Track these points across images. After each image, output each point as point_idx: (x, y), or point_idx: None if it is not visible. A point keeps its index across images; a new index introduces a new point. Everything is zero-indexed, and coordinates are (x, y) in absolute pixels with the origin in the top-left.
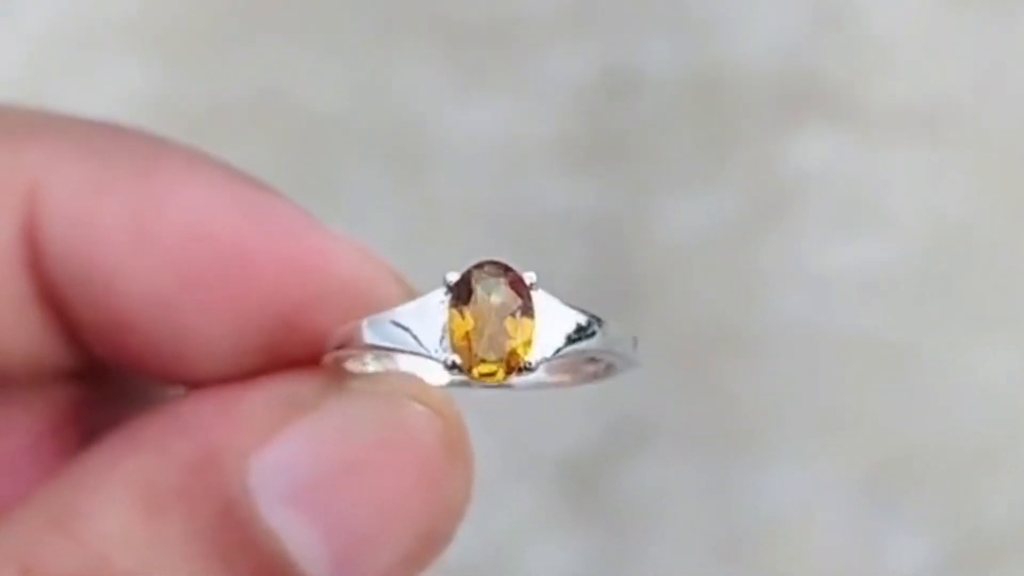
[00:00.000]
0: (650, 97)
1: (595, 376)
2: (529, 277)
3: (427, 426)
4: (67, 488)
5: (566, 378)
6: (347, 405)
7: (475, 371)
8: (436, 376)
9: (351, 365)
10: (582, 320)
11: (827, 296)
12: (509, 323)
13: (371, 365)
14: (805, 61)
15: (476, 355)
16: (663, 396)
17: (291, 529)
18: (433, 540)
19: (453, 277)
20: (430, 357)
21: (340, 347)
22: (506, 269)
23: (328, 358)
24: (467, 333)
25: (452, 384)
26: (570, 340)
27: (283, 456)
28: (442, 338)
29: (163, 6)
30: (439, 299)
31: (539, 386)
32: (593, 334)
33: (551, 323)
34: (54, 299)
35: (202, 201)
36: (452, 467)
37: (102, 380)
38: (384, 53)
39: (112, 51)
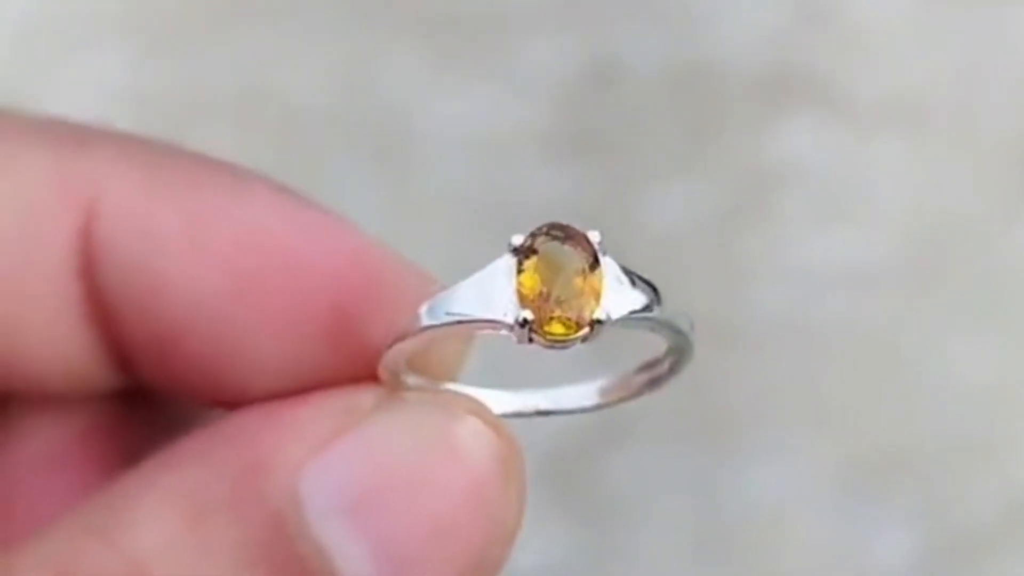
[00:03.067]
0: (633, 88)
1: (649, 385)
2: (594, 236)
3: (483, 442)
4: (108, 499)
5: (621, 394)
6: (402, 415)
7: (547, 327)
8: (495, 400)
9: (406, 380)
10: (647, 294)
11: (810, 288)
12: (578, 279)
13: (424, 384)
14: (788, 52)
15: (548, 310)
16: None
17: (340, 544)
18: (484, 565)
19: (518, 240)
20: (499, 321)
21: (400, 339)
22: (570, 229)
23: (385, 364)
24: (537, 292)
25: (520, 340)
26: (634, 310)
27: (335, 467)
28: (510, 301)
29: None
30: (505, 264)
31: (597, 407)
32: (654, 305)
33: (615, 288)
34: (103, 309)
35: (255, 211)
36: (506, 488)
37: (139, 401)
38: (367, 44)
39: (93, 44)
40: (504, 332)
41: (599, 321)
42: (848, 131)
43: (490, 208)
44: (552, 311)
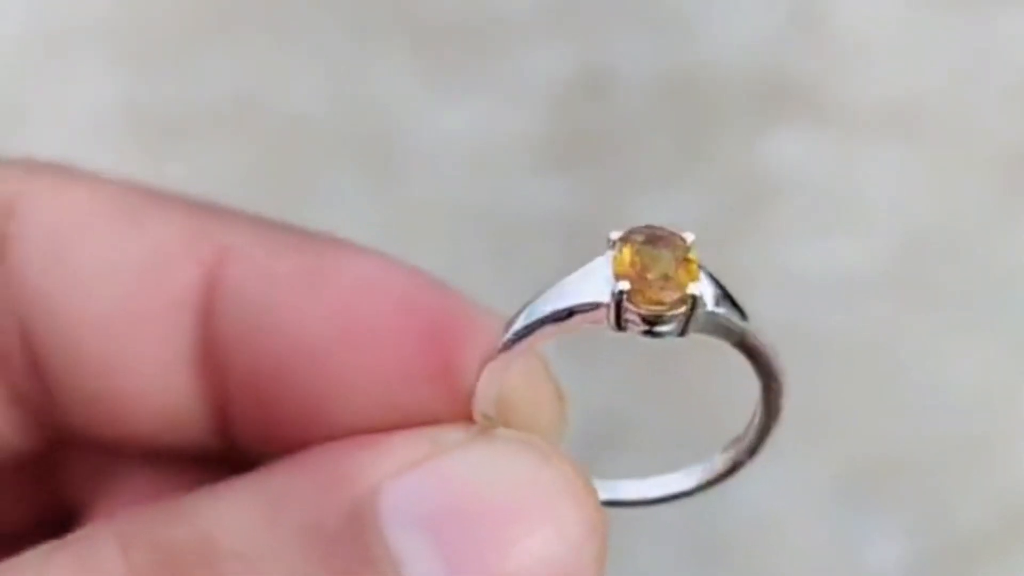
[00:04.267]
0: (626, 97)
1: (732, 465)
2: (688, 236)
3: (571, 490)
4: (188, 498)
5: (707, 476)
6: (491, 447)
7: (644, 295)
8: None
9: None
10: (738, 305)
11: (802, 295)
12: (674, 263)
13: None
14: (780, 60)
15: (645, 284)
16: (638, 396)
17: (413, 555)
18: None
19: (616, 234)
20: (588, 305)
21: (489, 359)
22: (664, 230)
23: (478, 402)
24: (634, 268)
25: (614, 325)
26: (728, 309)
27: (418, 483)
28: (605, 282)
29: (136, 10)
30: (600, 259)
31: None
32: (742, 318)
33: (709, 285)
34: (216, 358)
35: (365, 264)
36: (587, 540)
37: (230, 467)
38: (359, 54)
39: (85, 55)
40: (595, 321)
41: (695, 298)
42: (841, 139)
43: (484, 217)
44: (649, 286)
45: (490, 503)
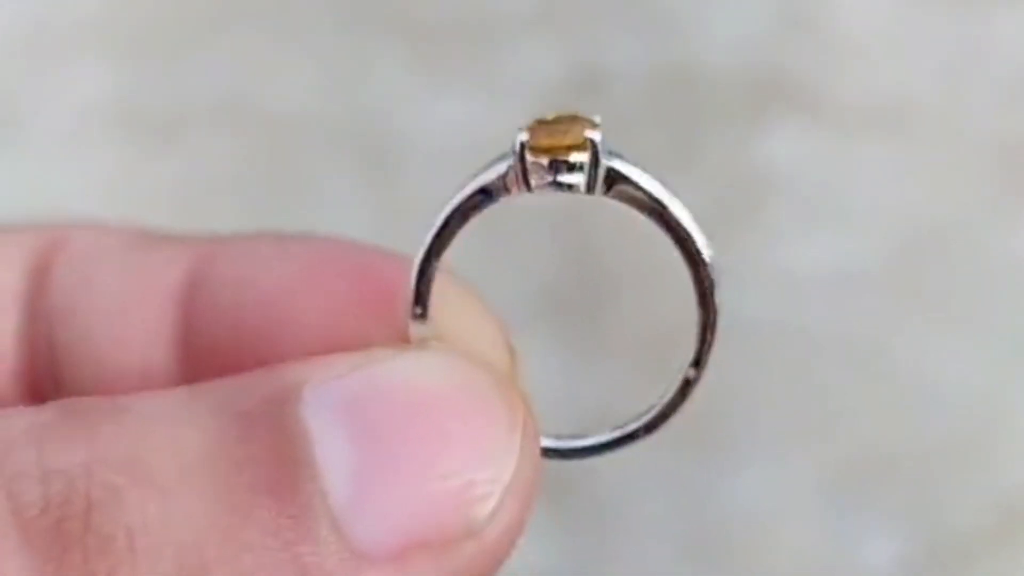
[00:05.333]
0: (618, 94)
1: (681, 388)
2: (596, 117)
3: (497, 388)
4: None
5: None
6: (419, 354)
7: (544, 140)
8: None
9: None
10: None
11: (796, 292)
12: (574, 122)
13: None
14: (773, 58)
15: (544, 126)
16: (632, 393)
17: (328, 435)
18: (467, 497)
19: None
20: (499, 171)
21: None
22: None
23: (413, 328)
24: (536, 126)
25: (519, 183)
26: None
27: (344, 380)
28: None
29: (131, 7)
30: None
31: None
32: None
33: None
34: (193, 336)
35: (325, 238)
36: (508, 438)
37: None
38: (352, 52)
39: (78, 54)
40: (505, 189)
41: (594, 143)
42: (833, 135)
43: (478, 215)
44: (547, 131)
45: (407, 394)
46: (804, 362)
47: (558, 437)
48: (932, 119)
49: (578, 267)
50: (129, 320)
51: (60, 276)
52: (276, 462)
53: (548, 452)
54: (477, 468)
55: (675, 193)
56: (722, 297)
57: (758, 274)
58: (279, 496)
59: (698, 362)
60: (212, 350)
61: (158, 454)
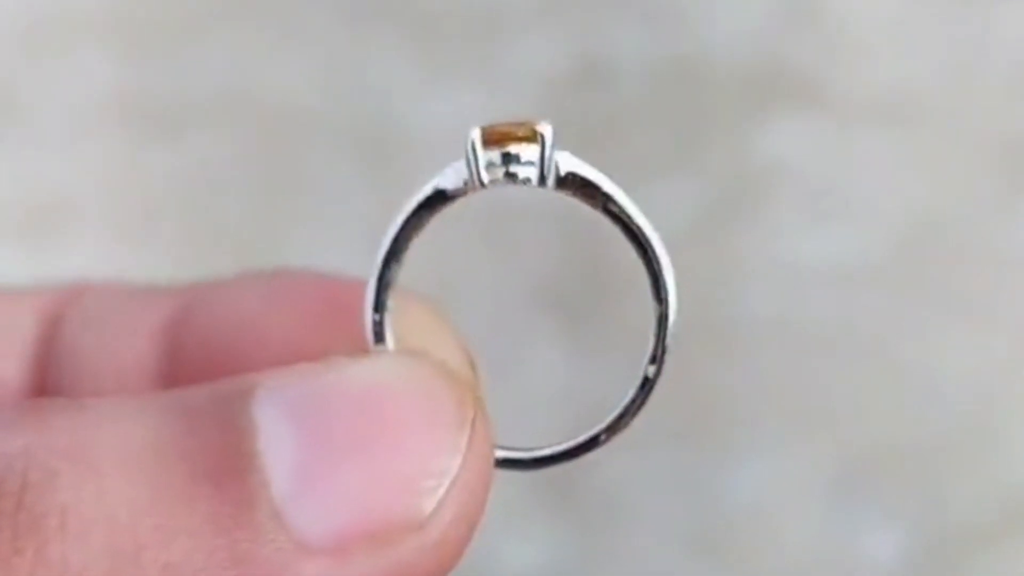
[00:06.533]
0: (622, 87)
1: (644, 377)
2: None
3: (445, 388)
4: None
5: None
6: (373, 358)
7: (495, 133)
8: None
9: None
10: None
11: (798, 285)
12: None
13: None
14: (777, 50)
15: (495, 126)
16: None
17: (271, 428)
18: (402, 509)
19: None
20: (453, 169)
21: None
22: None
23: (370, 337)
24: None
25: (474, 179)
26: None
27: (296, 381)
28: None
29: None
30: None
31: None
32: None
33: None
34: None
35: (298, 270)
36: (456, 434)
37: None
38: (354, 44)
39: (79, 45)
40: (459, 187)
41: (543, 136)
42: (837, 128)
43: (479, 208)
44: (499, 128)
45: (356, 390)
46: (807, 356)
47: (517, 449)
48: (935, 113)
49: (581, 263)
50: (120, 354)
51: (69, 322)
52: (220, 453)
53: (507, 463)
54: (422, 462)
55: (622, 186)
56: (675, 291)
57: (760, 266)
58: (220, 484)
59: (655, 358)
60: (192, 379)
61: (103, 443)
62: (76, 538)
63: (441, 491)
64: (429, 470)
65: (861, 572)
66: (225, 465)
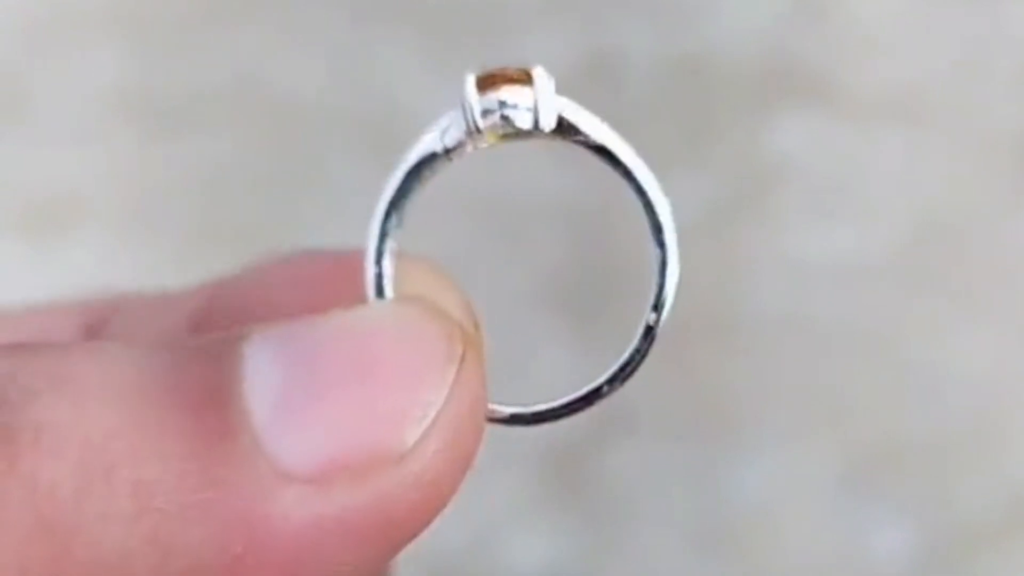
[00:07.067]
0: (631, 82)
1: (645, 332)
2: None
3: (433, 322)
4: None
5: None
6: (367, 307)
7: (490, 79)
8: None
9: None
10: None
11: (807, 281)
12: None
13: None
14: (786, 46)
15: (489, 71)
16: (645, 384)
17: (256, 359)
18: (384, 439)
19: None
20: (448, 122)
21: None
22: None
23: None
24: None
25: (470, 131)
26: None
27: (290, 323)
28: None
29: None
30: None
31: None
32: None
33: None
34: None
35: (313, 250)
36: (443, 368)
37: None
38: (363, 38)
39: (88, 39)
40: (457, 142)
41: (536, 78)
42: (846, 125)
43: (489, 204)
44: (492, 72)
45: (342, 325)
46: (815, 353)
47: (523, 404)
48: (945, 109)
49: (589, 261)
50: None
51: (110, 333)
52: (204, 385)
53: (513, 418)
54: (406, 394)
55: (621, 136)
56: (674, 235)
57: (769, 262)
58: (200, 413)
59: (656, 305)
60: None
61: (86, 373)
62: (48, 454)
63: (425, 424)
64: (413, 402)
65: (869, 570)
66: (207, 396)
